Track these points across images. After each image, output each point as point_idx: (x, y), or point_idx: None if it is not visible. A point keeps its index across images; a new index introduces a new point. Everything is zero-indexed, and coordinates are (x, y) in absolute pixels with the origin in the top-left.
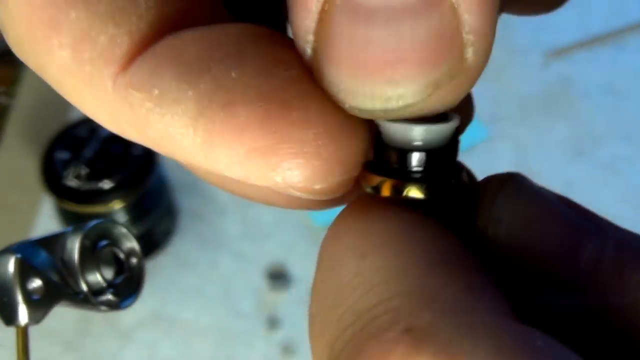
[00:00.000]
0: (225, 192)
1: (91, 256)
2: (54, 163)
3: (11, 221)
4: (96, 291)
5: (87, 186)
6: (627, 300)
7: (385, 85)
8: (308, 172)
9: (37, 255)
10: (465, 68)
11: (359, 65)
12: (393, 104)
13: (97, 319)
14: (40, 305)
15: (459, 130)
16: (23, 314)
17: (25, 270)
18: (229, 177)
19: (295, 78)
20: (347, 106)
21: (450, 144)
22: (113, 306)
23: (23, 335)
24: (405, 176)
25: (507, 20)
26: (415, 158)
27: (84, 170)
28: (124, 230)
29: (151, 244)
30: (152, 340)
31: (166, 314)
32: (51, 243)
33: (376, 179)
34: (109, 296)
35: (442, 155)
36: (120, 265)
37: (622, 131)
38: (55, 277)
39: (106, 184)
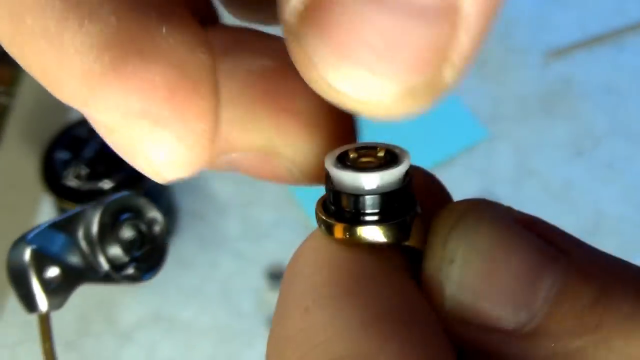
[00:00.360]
0: (225, 192)
1: (111, 231)
2: (54, 163)
3: (11, 221)
4: (118, 266)
5: (87, 186)
6: (580, 343)
7: (366, 71)
8: (172, 159)
9: (54, 239)
10: (440, 85)
11: (350, 43)
12: (365, 94)
13: (97, 319)
14: (59, 291)
15: (409, 172)
16: (42, 303)
17: (41, 260)
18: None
19: (206, 65)
20: (315, 74)
21: (402, 186)
22: (136, 279)
23: (45, 322)
24: (357, 219)
25: (507, 20)
26: (366, 202)
27: (84, 170)
28: (144, 200)
29: None
30: (152, 340)
31: (166, 314)
32: (69, 223)
33: (329, 221)
34: (131, 270)
35: (395, 197)
36: (142, 237)
37: (622, 131)
38: (75, 259)
39: (106, 184)
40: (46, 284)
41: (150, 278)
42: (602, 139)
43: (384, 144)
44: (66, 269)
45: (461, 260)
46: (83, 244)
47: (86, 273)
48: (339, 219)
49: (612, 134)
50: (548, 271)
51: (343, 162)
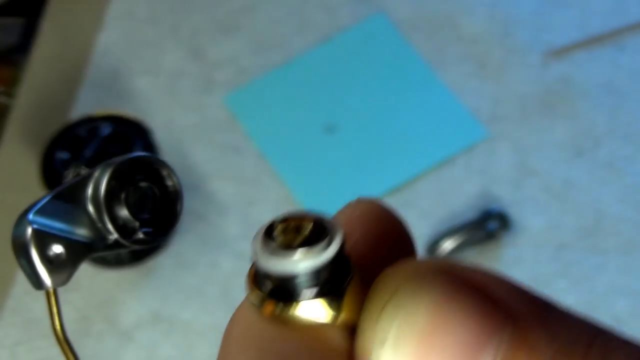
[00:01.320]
0: (225, 192)
1: (120, 195)
2: (54, 163)
3: (11, 221)
4: (127, 231)
5: None
6: None
7: None
8: None
9: (58, 211)
10: None
11: None
12: None
13: (97, 319)
14: (64, 268)
15: (344, 247)
16: (47, 281)
17: (43, 239)
18: None
19: None
20: None
21: (334, 259)
22: (148, 243)
23: (51, 299)
24: (286, 297)
25: (507, 20)
26: (295, 282)
27: (83, 170)
28: (156, 159)
29: None
30: (152, 340)
31: (166, 314)
32: (75, 190)
33: (259, 296)
34: (141, 235)
35: (326, 271)
36: (154, 199)
37: (622, 131)
38: (82, 229)
39: None
40: (50, 262)
41: (163, 241)
42: (602, 139)
43: (312, 214)
44: (71, 244)
45: (393, 340)
46: (91, 209)
47: (94, 244)
48: (268, 295)
49: (612, 134)
50: (489, 346)
51: (270, 237)
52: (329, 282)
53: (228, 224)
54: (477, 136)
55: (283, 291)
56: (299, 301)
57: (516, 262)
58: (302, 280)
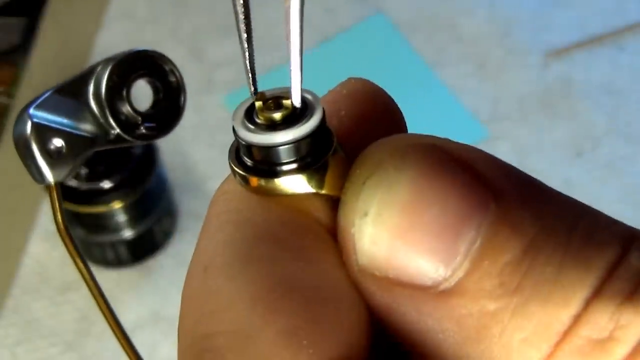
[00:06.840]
0: None
1: (121, 90)
2: None
3: (11, 221)
4: (130, 126)
5: (87, 186)
6: (497, 306)
7: None
8: None
9: (60, 105)
10: None
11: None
12: None
13: (97, 319)
14: (65, 162)
15: (324, 121)
16: (48, 175)
17: (43, 133)
18: None
19: None
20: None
21: (316, 130)
22: (150, 137)
23: (52, 193)
24: (269, 171)
25: (507, 20)
26: (278, 154)
27: (84, 170)
28: (159, 54)
29: (151, 244)
30: (152, 340)
31: (166, 314)
32: (77, 85)
33: (241, 173)
34: (143, 130)
35: (309, 143)
36: (156, 93)
37: (622, 131)
38: (85, 123)
39: (106, 184)
40: (50, 156)
41: (166, 134)
42: (602, 139)
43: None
44: (72, 138)
45: (375, 213)
46: (93, 105)
47: (96, 139)
48: (251, 171)
49: (612, 134)
50: (472, 222)
51: (250, 116)
52: (310, 156)
53: None
54: (476, 136)
55: (264, 166)
56: (280, 175)
57: None
58: (282, 154)
